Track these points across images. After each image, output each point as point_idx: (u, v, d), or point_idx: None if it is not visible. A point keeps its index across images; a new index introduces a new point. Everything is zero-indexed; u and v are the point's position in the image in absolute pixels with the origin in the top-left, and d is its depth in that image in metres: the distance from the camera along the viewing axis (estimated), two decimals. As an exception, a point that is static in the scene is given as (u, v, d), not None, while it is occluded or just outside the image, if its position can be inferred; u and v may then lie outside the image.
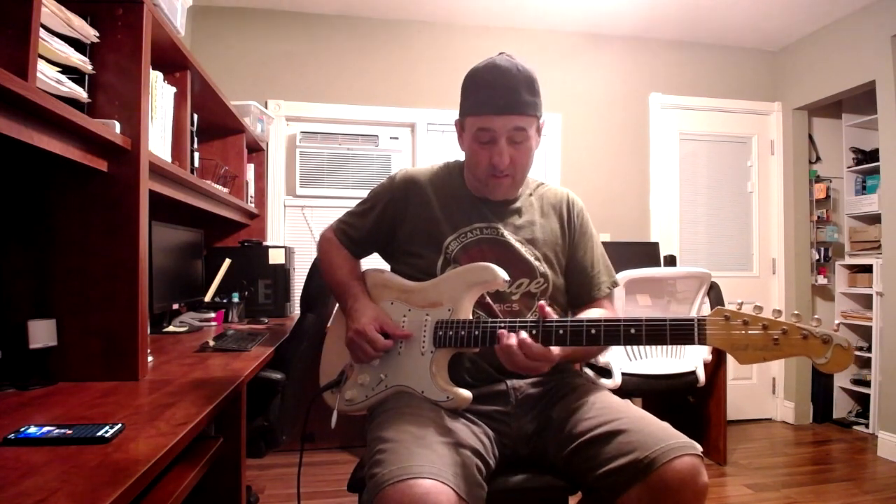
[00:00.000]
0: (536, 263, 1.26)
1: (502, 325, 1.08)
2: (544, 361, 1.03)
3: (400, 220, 1.29)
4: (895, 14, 2.99)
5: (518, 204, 1.32)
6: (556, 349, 1.04)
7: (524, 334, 1.03)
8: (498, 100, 1.16)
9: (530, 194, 1.35)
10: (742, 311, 0.95)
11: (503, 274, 1.13)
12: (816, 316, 0.92)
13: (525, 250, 1.26)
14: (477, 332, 1.10)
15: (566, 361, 1.26)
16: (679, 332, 0.98)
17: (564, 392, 1.22)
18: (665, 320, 0.99)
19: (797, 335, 0.91)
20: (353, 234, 1.34)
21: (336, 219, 1.39)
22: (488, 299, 1.21)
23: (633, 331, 1.01)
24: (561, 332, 1.04)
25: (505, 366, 1.06)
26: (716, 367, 2.83)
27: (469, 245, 1.25)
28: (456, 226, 1.26)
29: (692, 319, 0.97)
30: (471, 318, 1.15)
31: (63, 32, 1.16)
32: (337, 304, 1.33)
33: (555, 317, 1.07)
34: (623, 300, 2.49)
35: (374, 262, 1.36)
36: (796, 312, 0.94)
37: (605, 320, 1.04)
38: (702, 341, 0.96)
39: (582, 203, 1.38)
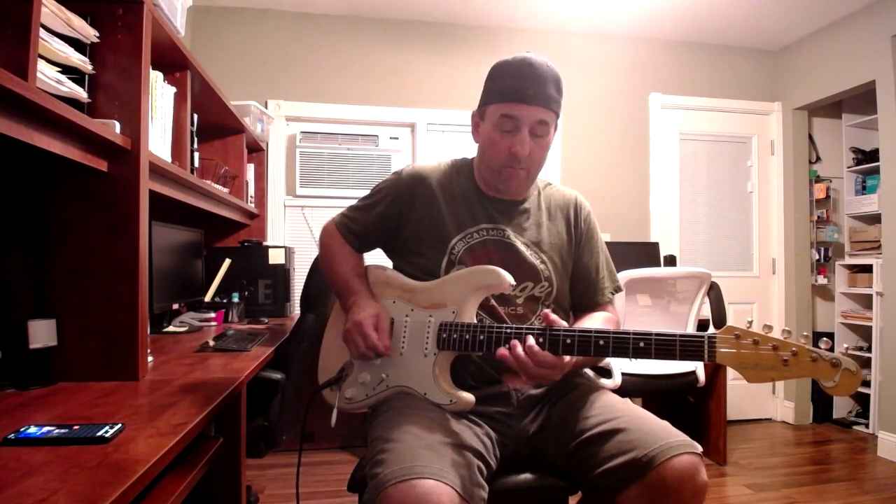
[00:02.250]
0: (542, 267, 1.25)
1: (508, 329, 1.08)
2: (556, 369, 1.02)
3: (405, 218, 1.27)
4: (895, 14, 2.99)
5: (526, 205, 1.31)
6: (566, 357, 1.03)
7: (531, 340, 1.01)
8: (528, 89, 1.16)
9: (538, 194, 1.34)
10: (752, 331, 0.94)
11: (509, 277, 1.12)
12: (825, 338, 0.92)
13: (530, 253, 1.25)
14: (482, 337, 1.10)
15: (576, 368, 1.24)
16: (689, 349, 0.97)
17: (564, 392, 1.21)
18: (675, 335, 0.98)
19: (807, 357, 0.91)
20: (356, 228, 1.32)
21: (339, 213, 1.37)
22: (493, 302, 1.21)
23: (642, 344, 1.00)
24: (569, 341, 1.03)
25: (520, 379, 1.04)
26: (716, 368, 2.83)
27: (474, 246, 1.24)
28: (462, 226, 1.25)
29: (703, 336, 0.96)
30: (475, 321, 1.14)
31: (63, 32, 1.16)
32: (338, 301, 1.32)
33: (563, 325, 1.05)
34: (623, 300, 2.49)
35: (375, 257, 1.36)
36: (805, 334, 0.93)
37: (615, 332, 1.03)
38: (711, 359, 0.95)
39: (589, 206, 1.37)
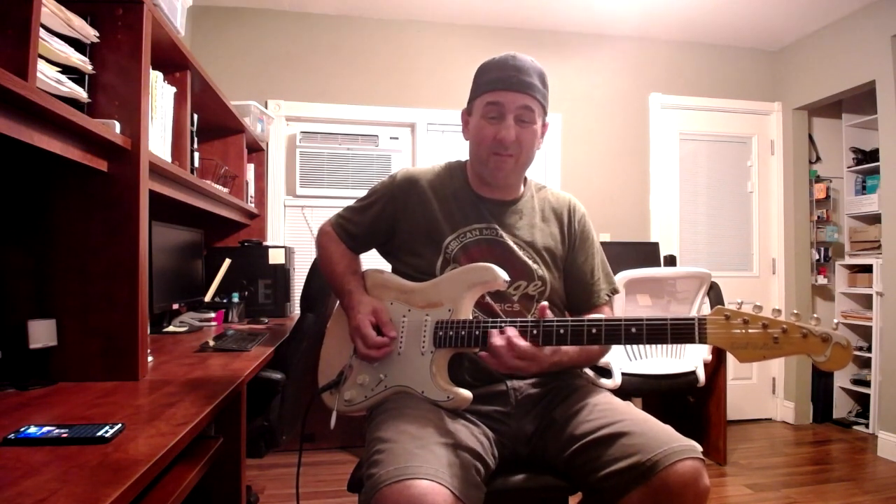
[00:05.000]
0: (534, 266, 1.26)
1: (503, 324, 1.08)
2: (534, 362, 1.03)
3: (399, 219, 1.29)
4: (895, 14, 2.99)
5: (519, 205, 1.32)
6: (548, 350, 1.04)
7: (512, 331, 1.03)
8: (511, 78, 1.20)
9: (532, 196, 1.35)
10: (742, 311, 0.95)
11: (503, 274, 1.13)
12: (815, 315, 0.93)
13: (523, 253, 1.26)
14: (477, 333, 1.10)
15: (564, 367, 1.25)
16: (680, 331, 0.98)
17: (566, 393, 1.21)
18: (666, 320, 0.99)
19: (797, 334, 0.92)
20: (352, 229, 1.34)
21: (335, 213, 1.39)
22: (488, 299, 1.21)
23: (633, 330, 1.01)
24: (562, 331, 1.04)
25: (491, 367, 1.06)
26: (716, 367, 2.83)
27: (468, 245, 1.25)
28: (455, 226, 1.26)
29: (693, 318, 0.98)
30: (471, 318, 1.15)
31: (63, 32, 1.16)
32: (338, 303, 1.33)
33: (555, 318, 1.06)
34: (623, 300, 2.49)
35: (374, 261, 1.36)
36: (795, 312, 0.94)
37: (606, 320, 1.04)
38: (702, 340, 0.96)
39: (584, 209, 1.38)
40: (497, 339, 1.03)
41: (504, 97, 1.20)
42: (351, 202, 1.38)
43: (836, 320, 0.95)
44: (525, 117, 1.21)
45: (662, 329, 0.99)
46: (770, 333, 0.93)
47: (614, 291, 1.35)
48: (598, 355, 1.27)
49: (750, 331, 0.94)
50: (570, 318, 1.07)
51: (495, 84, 1.21)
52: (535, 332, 1.04)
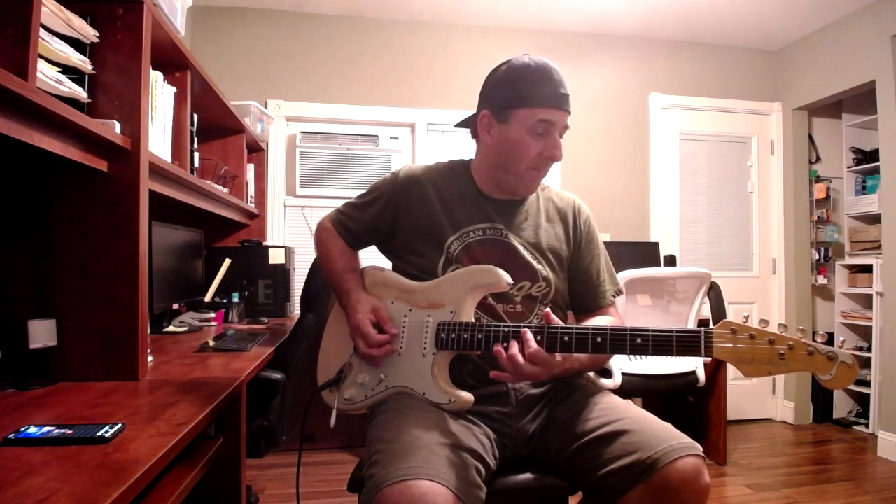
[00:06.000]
0: (539, 267, 1.25)
1: (506, 328, 1.08)
2: (545, 367, 1.03)
3: (401, 218, 1.28)
4: (895, 14, 2.99)
5: (524, 206, 1.31)
6: (559, 356, 1.04)
7: (533, 346, 1.02)
8: (558, 95, 1.20)
9: (537, 196, 1.34)
10: (748, 325, 0.95)
11: (507, 277, 1.13)
12: (820, 332, 0.93)
13: (527, 253, 1.25)
14: (480, 336, 1.10)
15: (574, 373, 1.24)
16: (685, 344, 0.98)
17: (566, 393, 1.21)
18: (672, 331, 0.99)
19: (803, 351, 0.91)
20: (352, 226, 1.33)
21: (335, 208, 1.38)
22: (490, 300, 1.21)
23: (639, 340, 1.00)
24: (566, 338, 1.03)
25: (506, 374, 1.04)
26: (716, 368, 2.83)
27: (471, 245, 1.24)
28: (458, 225, 1.25)
29: (699, 331, 0.97)
30: (473, 320, 1.14)
31: (63, 32, 1.16)
32: (336, 303, 1.32)
33: (560, 324, 1.06)
34: (623, 300, 2.49)
35: (374, 258, 1.36)
36: (801, 328, 0.94)
37: (612, 329, 1.03)
38: (708, 353, 0.96)
39: (589, 210, 1.37)
40: (514, 351, 1.02)
41: (555, 116, 1.19)
42: (351, 201, 1.37)
43: (842, 338, 0.94)
44: (563, 134, 1.23)
45: (668, 341, 0.99)
46: (776, 350, 0.92)
47: (619, 292, 1.35)
48: (606, 359, 1.25)
49: (756, 346, 0.93)
50: (574, 326, 1.06)
51: (549, 101, 1.18)
52: (539, 338, 1.04)
